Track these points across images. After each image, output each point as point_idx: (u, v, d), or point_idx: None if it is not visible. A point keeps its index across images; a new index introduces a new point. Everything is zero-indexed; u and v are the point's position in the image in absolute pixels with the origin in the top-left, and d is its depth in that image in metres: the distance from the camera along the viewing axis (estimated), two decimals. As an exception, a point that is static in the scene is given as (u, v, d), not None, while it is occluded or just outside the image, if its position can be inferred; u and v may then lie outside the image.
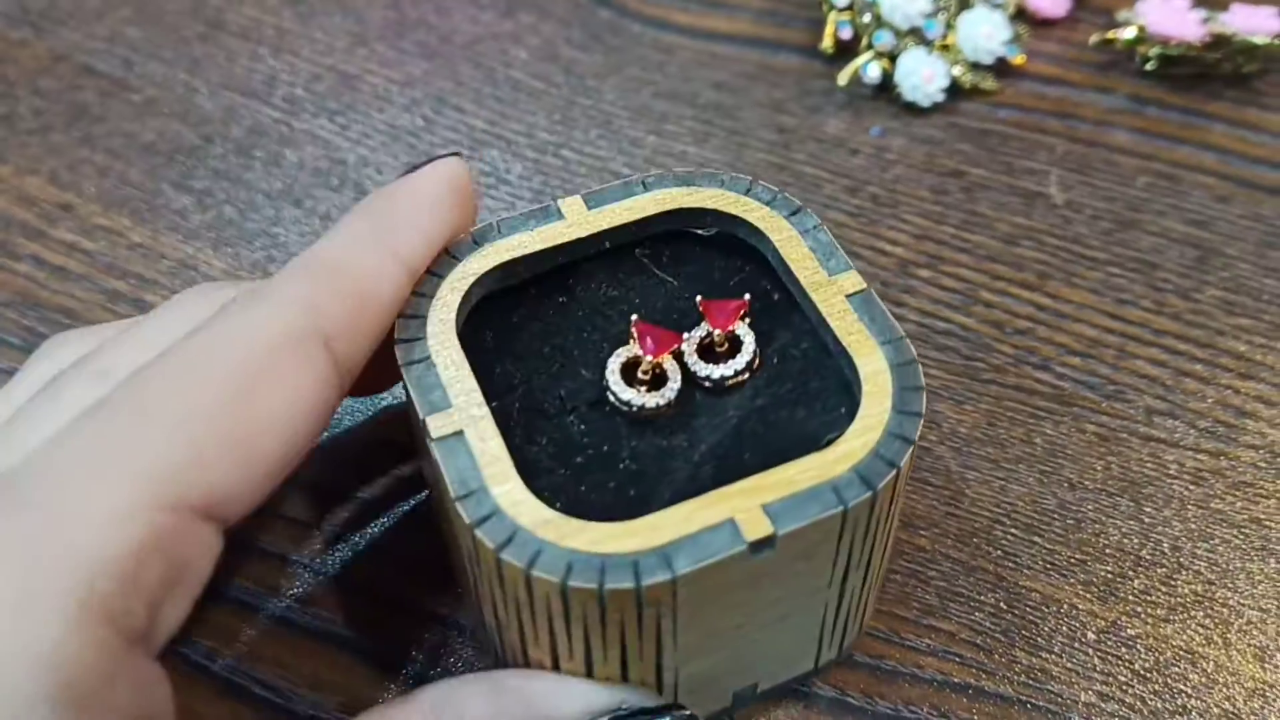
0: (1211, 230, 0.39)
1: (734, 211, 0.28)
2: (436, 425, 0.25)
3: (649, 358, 0.26)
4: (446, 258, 0.27)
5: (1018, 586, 0.31)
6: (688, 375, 0.26)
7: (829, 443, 0.24)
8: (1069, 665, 0.30)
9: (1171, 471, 0.33)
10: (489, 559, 0.23)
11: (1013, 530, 0.32)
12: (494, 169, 0.42)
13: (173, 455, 0.22)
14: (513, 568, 0.23)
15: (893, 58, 0.44)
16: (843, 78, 0.44)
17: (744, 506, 0.23)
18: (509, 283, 0.28)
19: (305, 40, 0.47)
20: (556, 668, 0.25)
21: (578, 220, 0.28)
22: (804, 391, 0.26)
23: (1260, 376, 0.36)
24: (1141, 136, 0.42)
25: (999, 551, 0.32)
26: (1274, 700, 0.29)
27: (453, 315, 0.27)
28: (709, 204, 0.29)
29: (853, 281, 0.27)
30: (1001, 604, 0.31)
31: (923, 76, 0.43)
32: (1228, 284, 0.38)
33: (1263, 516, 0.33)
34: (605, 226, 0.28)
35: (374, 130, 0.43)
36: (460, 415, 0.25)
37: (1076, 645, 0.30)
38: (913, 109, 0.43)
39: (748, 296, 0.27)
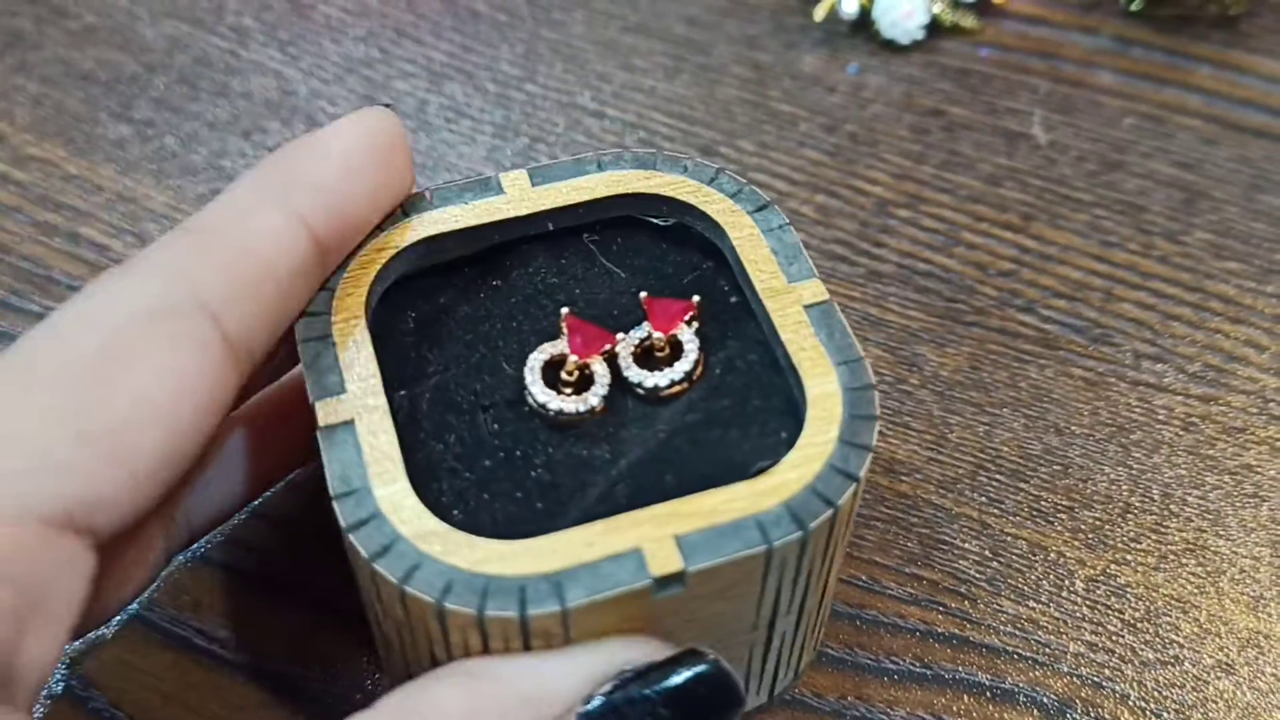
0: (1198, 173, 0.38)
1: (692, 201, 0.25)
2: (325, 412, 0.22)
3: (575, 357, 0.23)
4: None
5: (1003, 534, 0.30)
6: (620, 380, 0.24)
7: (759, 471, 0.22)
8: (1057, 614, 0.29)
9: (1160, 417, 0.32)
10: (364, 568, 0.21)
11: (998, 476, 0.31)
12: (454, 103, 0.40)
13: (11, 461, 0.18)
14: (387, 582, 0.20)
15: (871, -7, 0.42)
16: (819, 13, 0.42)
17: (654, 535, 0.21)
18: (437, 260, 0.25)
19: (254, -32, 0.44)
20: None
21: (519, 196, 0.25)
22: (743, 410, 0.23)
23: (1250, 320, 0.34)
24: (1126, 78, 0.41)
25: (983, 498, 0.31)
26: (1269, 650, 0.28)
27: (363, 291, 0.24)
28: (666, 191, 0.26)
29: (813, 291, 0.24)
30: (986, 551, 0.30)
31: (902, 13, 0.41)
32: (1215, 227, 0.37)
33: (1254, 463, 0.31)
34: (549, 206, 0.25)
35: (327, 62, 0.41)
36: (352, 403, 0.22)
37: (1064, 594, 0.29)
38: (891, 46, 0.42)
39: (697, 298, 0.24)
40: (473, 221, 0.25)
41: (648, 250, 0.26)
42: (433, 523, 0.21)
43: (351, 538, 0.20)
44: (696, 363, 0.24)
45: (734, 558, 0.21)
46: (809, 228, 0.36)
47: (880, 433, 0.31)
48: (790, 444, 0.22)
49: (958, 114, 0.40)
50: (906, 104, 0.40)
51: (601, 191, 0.26)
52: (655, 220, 0.26)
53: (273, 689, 0.27)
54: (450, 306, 0.25)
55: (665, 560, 0.20)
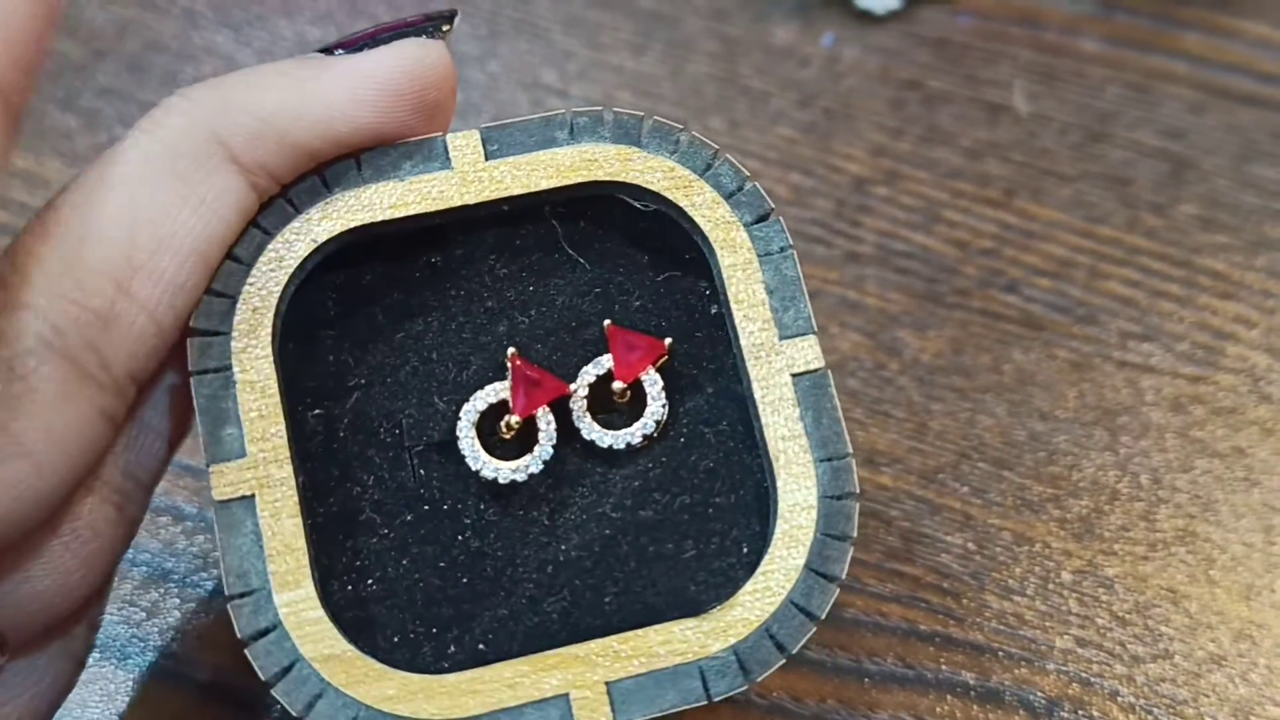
0: (1186, 142, 0.37)
1: (681, 202, 0.22)
2: (221, 482, 0.19)
3: (516, 416, 0.21)
4: (283, 206, 0.21)
5: (987, 525, 0.29)
6: (569, 426, 0.21)
7: (709, 608, 0.20)
8: (1044, 609, 0.28)
9: (1149, 399, 0.31)
10: (263, 685, 0.19)
11: (981, 464, 0.30)
12: (414, 84, 0.38)
13: None
14: (284, 706, 0.19)
15: (845, -39, 0.41)
16: (791, -17, 0.40)
17: (586, 680, 0.19)
18: (365, 238, 0.22)
19: (205, -53, 0.43)
20: None
21: (469, 173, 0.21)
22: (704, 510, 0.21)
23: (1239, 296, 0.33)
24: (1110, 44, 0.40)
25: (966, 488, 0.29)
26: (1261, 641, 0.27)
27: (272, 305, 0.20)
28: (650, 182, 0.22)
29: (806, 355, 0.21)
30: (970, 545, 0.29)
31: (877, -19, 0.40)
32: (1204, 199, 0.35)
33: (1245, 445, 0.30)
34: (502, 193, 0.21)
35: (281, 43, 0.39)
36: (255, 472, 0.19)
37: (1051, 587, 0.28)
38: (867, 17, 0.40)
39: (669, 341, 0.21)
40: (408, 209, 0.21)
41: (621, 231, 0.22)
42: (340, 644, 0.19)
43: (248, 652, 0.19)
44: (659, 424, 0.21)
45: (670, 712, 0.19)
46: (783, 208, 0.35)
47: (860, 423, 0.30)
48: (752, 564, 0.20)
49: (936, 86, 0.38)
50: (883, 77, 0.39)
51: (570, 176, 0.21)
52: (633, 201, 0.22)
53: None
54: (379, 296, 0.21)
55: (593, 712, 0.19)
